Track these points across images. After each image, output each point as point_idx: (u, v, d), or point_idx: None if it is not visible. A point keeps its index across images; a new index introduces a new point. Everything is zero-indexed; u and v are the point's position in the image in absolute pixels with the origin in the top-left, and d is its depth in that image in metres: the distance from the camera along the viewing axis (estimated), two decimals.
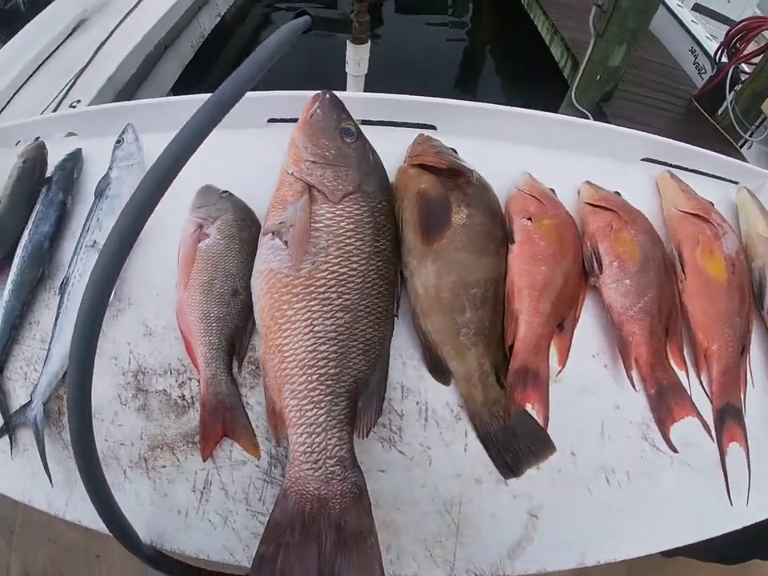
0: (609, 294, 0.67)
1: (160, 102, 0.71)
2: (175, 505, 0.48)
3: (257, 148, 0.64)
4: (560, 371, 0.60)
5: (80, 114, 0.80)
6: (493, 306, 0.57)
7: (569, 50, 3.22)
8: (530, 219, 0.65)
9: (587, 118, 2.91)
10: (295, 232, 0.49)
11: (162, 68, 2.38)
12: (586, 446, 0.57)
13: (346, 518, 0.41)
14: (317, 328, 0.47)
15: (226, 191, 0.64)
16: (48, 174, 0.76)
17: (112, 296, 0.60)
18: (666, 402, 0.62)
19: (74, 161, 0.80)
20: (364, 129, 0.74)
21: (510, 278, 0.60)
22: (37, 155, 0.81)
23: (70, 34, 2.13)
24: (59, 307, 0.61)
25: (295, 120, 0.71)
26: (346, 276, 0.50)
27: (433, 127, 0.76)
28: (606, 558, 0.52)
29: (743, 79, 2.85)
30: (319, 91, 0.60)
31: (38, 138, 0.80)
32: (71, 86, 1.92)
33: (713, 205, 0.84)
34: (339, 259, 0.50)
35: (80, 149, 0.77)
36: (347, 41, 1.05)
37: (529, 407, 0.53)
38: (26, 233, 0.71)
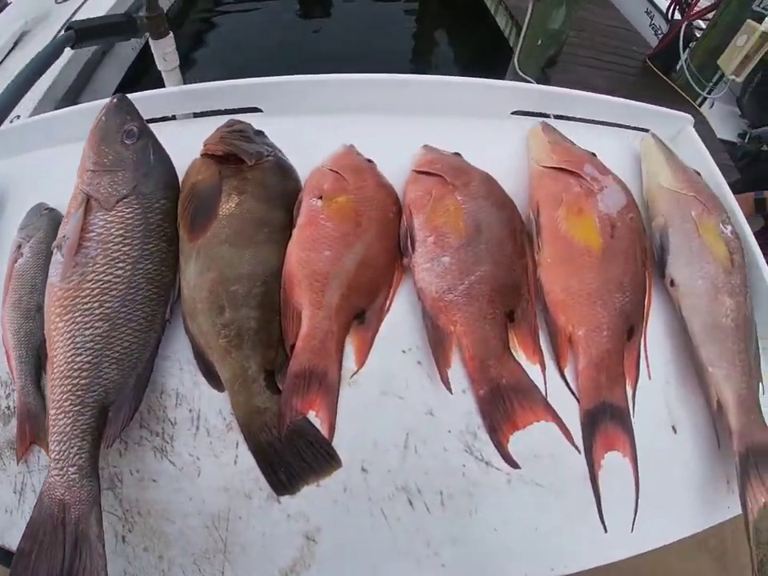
0: (421, 275, 0.50)
1: (72, 111, 0.65)
2: (2, 504, 0.51)
3: None
4: (356, 371, 0.48)
5: None
6: (261, 303, 0.48)
7: (512, 18, 2.76)
8: (320, 198, 0.52)
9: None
10: (66, 244, 0.50)
11: (102, 74, 2.21)
12: (382, 461, 0.46)
13: (83, 525, 0.43)
14: (77, 339, 0.48)
15: (48, 208, 0.64)
16: None
17: None
18: (503, 405, 0.46)
19: None
20: (195, 122, 0.66)
21: (287, 268, 0.49)
22: None
23: (12, 48, 2.00)
24: None
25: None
26: (110, 284, 0.49)
27: (258, 110, 0.66)
28: None
29: (697, 36, 2.44)
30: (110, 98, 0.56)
31: None
32: None
33: (594, 155, 0.61)
34: (105, 267, 0.49)
35: None
36: (149, 38, 0.99)
37: (312, 415, 0.45)
38: None
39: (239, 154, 0.51)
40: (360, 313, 0.49)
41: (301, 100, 0.65)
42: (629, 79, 2.55)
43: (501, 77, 2.56)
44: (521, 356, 0.51)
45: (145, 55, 2.56)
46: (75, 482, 0.43)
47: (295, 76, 0.63)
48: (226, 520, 0.45)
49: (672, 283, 0.57)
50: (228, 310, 0.46)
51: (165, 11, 0.99)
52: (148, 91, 0.63)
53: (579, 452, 0.48)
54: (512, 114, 0.68)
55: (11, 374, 0.57)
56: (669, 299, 0.58)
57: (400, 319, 0.51)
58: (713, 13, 2.29)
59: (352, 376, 0.48)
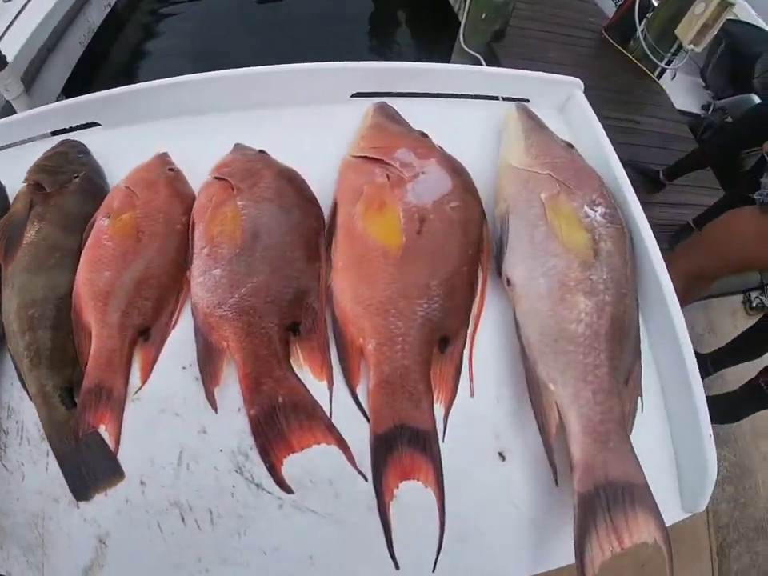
0: (195, 290, 0.46)
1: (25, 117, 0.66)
2: None
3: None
4: (140, 387, 0.48)
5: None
6: (54, 324, 0.51)
7: None
8: (108, 217, 0.50)
9: (479, 61, 2.00)
10: None
11: (49, 71, 2.11)
12: (158, 476, 0.47)
13: None
14: None
15: None
16: None
17: None
18: (278, 426, 0.43)
19: None
20: (53, 140, 0.62)
21: (75, 289, 0.49)
22: None
23: None
24: None
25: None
26: None
27: (97, 124, 0.65)
28: None
29: (654, 4, 2.19)
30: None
31: None
32: None
33: (425, 136, 0.52)
34: None
35: None
36: None
37: (103, 428, 0.48)
38: None
39: (39, 182, 0.55)
40: (145, 330, 0.50)
41: (136, 108, 0.61)
42: (584, 51, 2.32)
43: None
44: (307, 372, 0.45)
45: (95, 49, 2.38)
46: None
47: (128, 86, 0.56)
48: (42, 519, 0.50)
49: (508, 282, 0.48)
50: (28, 332, 0.48)
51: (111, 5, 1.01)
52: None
53: (366, 480, 0.44)
54: (352, 96, 0.58)
55: None
56: (509, 304, 0.48)
57: (184, 335, 0.49)
58: None
59: (136, 392, 0.48)
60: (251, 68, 0.54)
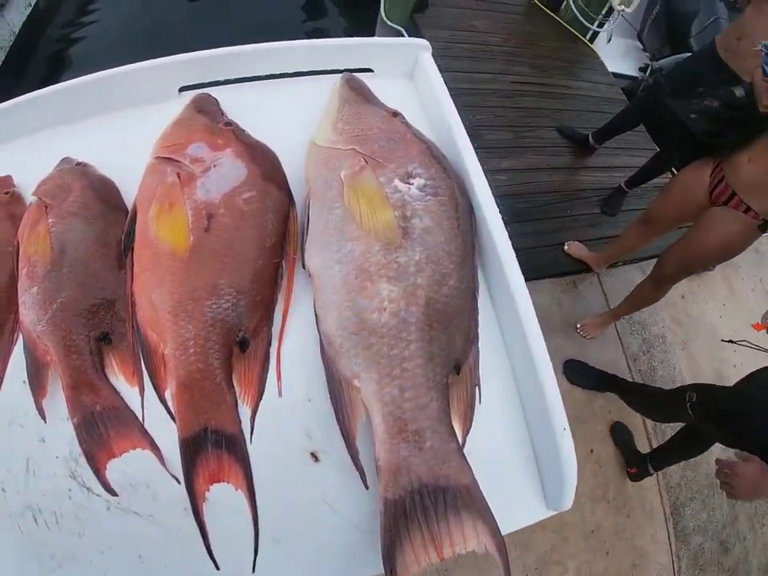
0: (20, 309, 0.49)
1: None
2: None
3: None
4: None
5: None
6: None
7: None
8: None
9: (401, 34, 1.89)
10: None
11: None
12: (13, 483, 0.53)
13: None
14: None
15: None
16: None
17: None
18: (98, 432, 0.47)
19: None
20: None
21: None
22: None
23: None
24: None
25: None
26: None
27: None
28: None
29: None
30: None
31: None
32: None
33: (230, 125, 0.51)
34: None
35: None
36: None
37: None
38: None
39: None
40: None
41: None
42: (513, 18, 2.31)
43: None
44: (121, 380, 0.48)
45: (13, 53, 2.32)
46: None
47: None
48: None
49: (310, 274, 0.46)
50: None
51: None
52: None
53: (179, 482, 0.47)
54: (180, 90, 0.56)
55: None
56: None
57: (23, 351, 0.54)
58: None
59: None
60: (70, 81, 0.53)
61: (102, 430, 0.46)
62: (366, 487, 0.39)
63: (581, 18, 2.31)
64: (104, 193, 0.49)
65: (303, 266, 0.43)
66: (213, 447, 0.41)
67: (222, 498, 0.40)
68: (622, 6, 2.11)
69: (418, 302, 0.39)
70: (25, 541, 0.49)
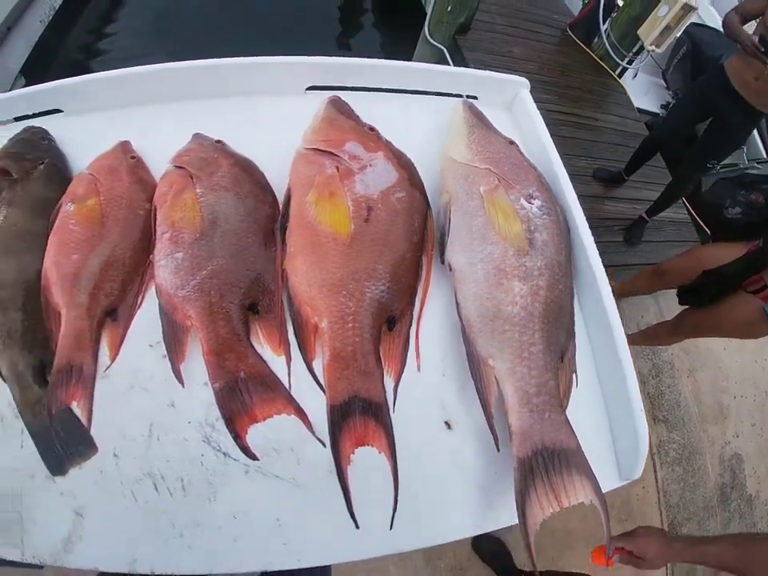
0: (158, 272, 0.52)
1: None
2: None
3: None
4: (109, 366, 0.55)
5: None
6: (25, 306, 0.58)
7: None
8: (73, 202, 0.57)
9: (443, 53, 2.20)
10: None
11: (8, 50, 2.26)
12: (130, 448, 0.54)
13: None
14: None
15: None
16: None
17: None
18: (240, 398, 0.51)
19: None
20: (17, 126, 0.68)
21: (44, 272, 0.55)
22: None
23: None
24: None
25: None
26: None
27: (59, 110, 0.70)
28: (161, 569, 0.54)
29: (619, 5, 2.48)
30: None
31: None
32: None
33: (373, 130, 0.61)
34: None
35: None
36: None
37: (75, 405, 0.55)
38: None
39: (6, 168, 0.55)
40: (112, 310, 0.59)
41: (97, 97, 0.65)
42: (548, 48, 2.59)
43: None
44: (266, 349, 0.53)
45: (55, 30, 2.49)
46: None
47: (91, 75, 0.62)
48: (18, 496, 0.60)
49: (450, 268, 0.55)
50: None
51: None
52: None
53: (325, 446, 0.54)
54: (307, 89, 0.63)
55: None
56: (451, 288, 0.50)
57: (150, 315, 0.58)
58: None
59: (105, 370, 0.58)
60: (210, 60, 0.60)
61: (246, 395, 0.51)
62: (498, 450, 0.49)
63: (612, 54, 2.56)
64: (251, 172, 0.58)
65: (442, 261, 0.53)
66: (360, 414, 0.49)
67: (361, 460, 0.49)
68: (653, 46, 2.33)
69: (539, 299, 0.51)
70: (139, 509, 0.52)
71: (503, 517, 0.51)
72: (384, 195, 0.47)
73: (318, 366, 0.51)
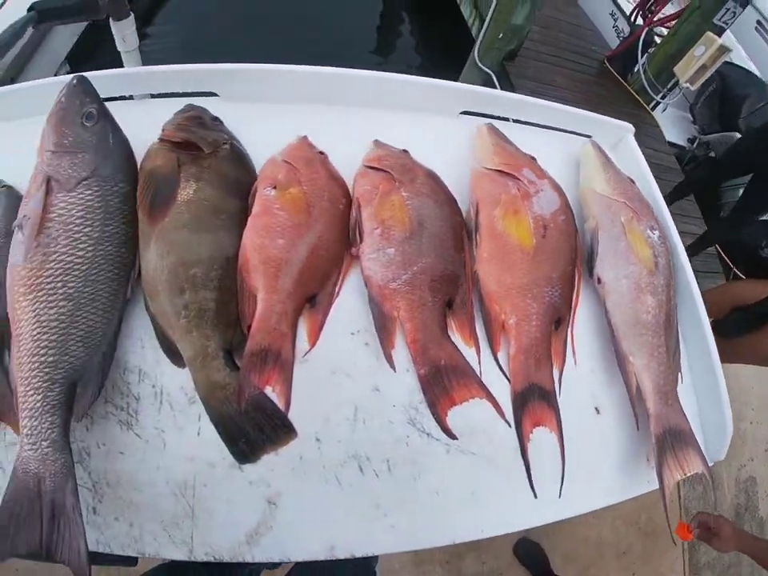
0: (368, 265, 0.60)
1: (24, 87, 0.72)
2: None
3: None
4: (309, 350, 0.58)
5: None
6: (219, 285, 0.58)
7: (477, 9, 3.04)
8: (274, 188, 0.60)
9: (490, 77, 2.47)
10: (27, 225, 0.57)
11: (56, 35, 2.32)
12: (334, 432, 0.56)
13: (59, 496, 0.51)
14: (42, 318, 0.55)
15: (4, 185, 0.69)
16: None
17: None
18: (442, 383, 0.58)
19: None
20: (152, 103, 0.74)
21: (242, 253, 0.57)
22: None
23: None
24: None
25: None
26: (72, 264, 0.57)
27: (215, 94, 0.73)
28: (362, 551, 0.54)
29: (657, 42, 2.78)
30: (69, 76, 0.63)
31: None
32: None
33: (534, 160, 0.73)
34: (67, 248, 0.57)
35: None
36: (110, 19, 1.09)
37: (269, 390, 0.55)
38: None
39: (197, 142, 0.60)
40: (311, 297, 0.61)
41: (257, 87, 0.72)
42: (586, 79, 2.89)
43: (460, 66, 2.74)
44: (458, 340, 0.60)
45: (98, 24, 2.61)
46: (49, 456, 0.52)
47: (253, 64, 0.71)
48: (192, 488, 0.55)
49: (599, 281, 0.69)
50: (188, 291, 0.56)
51: None
52: (107, 70, 0.69)
53: (510, 426, 0.63)
54: (461, 113, 0.79)
55: None
56: (596, 296, 0.70)
57: (348, 304, 0.60)
58: (674, 21, 2.64)
59: (305, 355, 0.59)
60: (377, 72, 0.76)
61: (446, 381, 0.60)
62: (638, 429, 0.66)
63: (648, 88, 2.78)
64: (439, 181, 0.71)
65: (590, 275, 0.70)
66: (537, 399, 0.62)
67: (537, 438, 0.62)
68: (688, 84, 2.53)
69: (663, 311, 0.70)
70: (342, 491, 0.57)
71: (640, 484, 0.66)
72: (553, 216, 0.64)
73: (501, 357, 0.65)
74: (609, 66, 3.00)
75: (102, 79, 0.65)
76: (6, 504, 0.52)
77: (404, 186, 0.62)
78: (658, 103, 2.86)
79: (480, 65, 2.47)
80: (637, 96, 2.87)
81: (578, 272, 0.69)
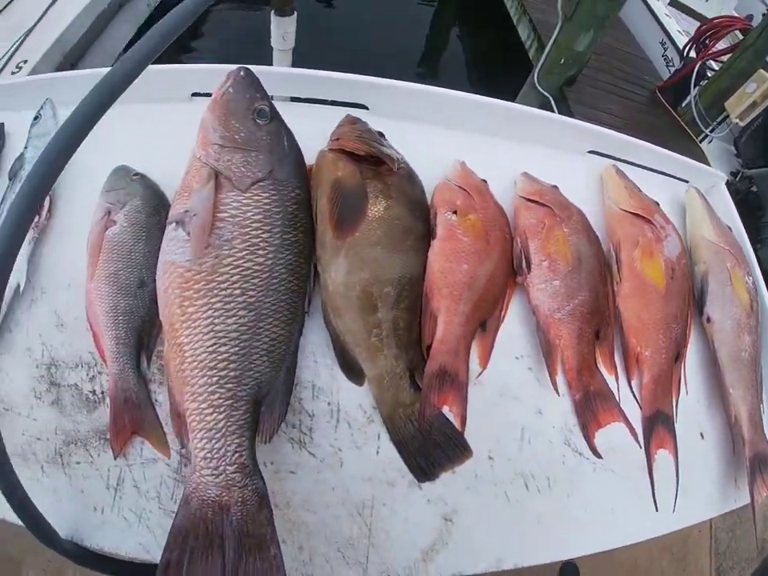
0: (536, 294, 0.71)
1: (83, 75, 0.74)
2: (91, 501, 0.55)
3: (179, 124, 0.66)
4: (481, 373, 0.65)
5: None
6: (409, 306, 0.61)
7: (536, 32, 3.39)
8: (455, 213, 0.68)
9: (548, 101, 2.80)
10: (197, 222, 0.54)
11: (115, 28, 2.54)
12: (504, 451, 0.63)
13: (248, 526, 0.46)
14: (218, 327, 0.52)
15: (138, 173, 0.68)
16: None
17: (25, 283, 0.64)
18: (591, 408, 0.68)
19: None
20: (292, 107, 0.77)
21: (429, 275, 0.63)
22: None
23: None
24: None
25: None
26: (251, 271, 0.54)
27: (364, 107, 0.79)
28: (524, 563, 0.59)
29: (708, 75, 3.05)
30: (235, 67, 0.63)
31: None
32: (18, 47, 2.07)
33: (658, 205, 0.88)
34: (244, 252, 0.54)
35: (2, 123, 0.79)
36: (271, 13, 1.15)
37: (446, 410, 0.58)
38: None
39: (384, 159, 0.68)
40: (483, 321, 0.67)
41: (405, 105, 0.82)
42: (639, 107, 3.18)
43: (514, 87, 3.12)
44: (602, 369, 0.74)
45: (157, 13, 2.79)
46: (236, 482, 0.50)
47: (406, 83, 0.82)
48: (370, 507, 0.59)
49: (708, 320, 0.90)
50: (381, 310, 0.61)
51: None
52: (257, 66, 0.72)
53: (640, 447, 0.71)
54: (588, 152, 0.98)
55: (100, 355, 0.60)
56: (702, 333, 0.90)
57: (512, 329, 0.71)
58: (727, 56, 2.94)
59: (477, 377, 0.65)
60: (520, 106, 0.89)
61: (594, 405, 0.74)
62: (734, 453, 0.76)
63: (698, 121, 2.96)
64: (587, 219, 0.82)
65: (700, 314, 0.80)
66: (661, 424, 0.76)
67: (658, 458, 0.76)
68: (738, 119, 2.71)
69: (756, 349, 0.90)
70: (509, 507, 0.66)
71: (734, 501, 0.81)
72: (678, 260, 0.83)
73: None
74: (660, 97, 3.25)
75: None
76: (176, 537, 0.49)
77: (564, 222, 0.72)
78: (706, 136, 3.13)
79: (539, 88, 2.75)
80: (686, 128, 3.10)
81: (690, 312, 0.88)
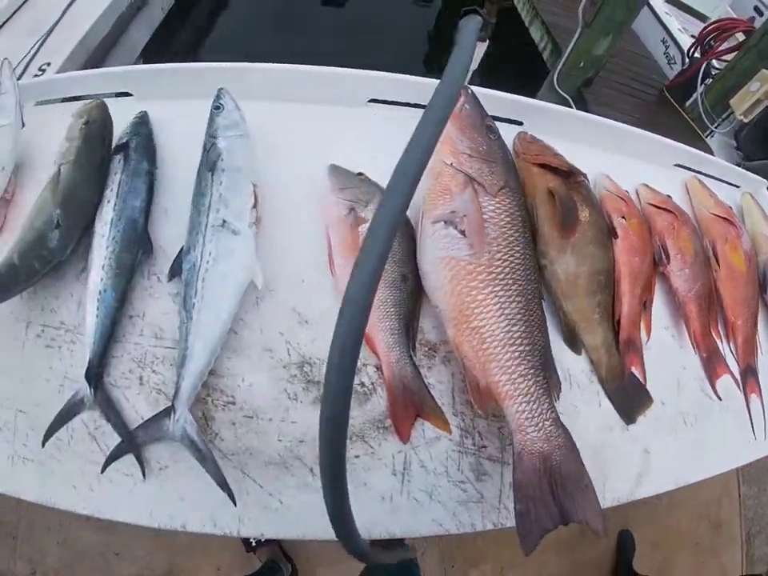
0: (675, 280, 1.02)
1: (217, 67, 0.78)
2: (377, 492, 0.59)
3: (358, 127, 0.77)
4: (647, 341, 0.90)
5: (131, 73, 0.82)
6: (611, 290, 0.86)
7: (549, 34, 3.70)
8: (623, 218, 0.96)
9: (568, 102, 3.15)
10: (473, 223, 0.67)
11: (133, 31, 2.58)
12: (670, 398, 0.88)
13: (565, 467, 0.58)
14: (506, 311, 0.66)
15: (360, 173, 0.75)
16: (122, 140, 0.77)
17: (248, 283, 0.66)
18: (712, 363, 0.96)
19: (147, 126, 0.81)
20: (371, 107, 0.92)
21: (618, 267, 0.89)
22: (101, 116, 0.79)
23: None
24: (190, 297, 0.63)
25: (396, 103, 0.87)
26: (514, 264, 0.70)
27: (520, 123, 0.95)
28: (696, 478, 0.82)
29: (714, 74, 3.34)
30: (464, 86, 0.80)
31: (94, 96, 0.79)
32: (39, 48, 2.02)
33: (731, 208, 1.20)
34: (507, 249, 0.70)
35: (146, 112, 0.82)
36: None
37: (633, 369, 0.82)
38: (107, 207, 0.71)
39: (576, 172, 0.94)
40: (645, 301, 0.90)
41: (554, 124, 1.06)
42: (649, 106, 3.54)
43: (524, 81, 3.51)
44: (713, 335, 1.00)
45: (169, 17, 2.92)
46: (553, 433, 0.66)
47: (553, 105, 1.08)
48: (601, 447, 0.77)
49: None
50: (598, 293, 0.82)
51: None
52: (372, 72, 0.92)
53: (741, 391, 0.98)
54: (674, 165, 1.33)
55: (370, 347, 0.68)
56: (765, 309, 1.29)
57: (655, 307, 1.02)
58: (731, 54, 3.34)
59: (646, 343, 0.89)
60: (608, 120, 1.14)
61: (714, 362, 1.09)
62: None
63: (704, 118, 3.23)
64: (695, 226, 1.18)
65: (764, 292, 1.14)
66: (751, 374, 1.07)
67: None
68: (742, 116, 2.91)
69: None
70: (684, 431, 0.93)
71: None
72: (749, 253, 1.31)
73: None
74: (668, 94, 3.54)
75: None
76: (520, 491, 0.60)
77: (684, 224, 0.96)
78: (712, 132, 3.44)
79: (558, 90, 3.09)
80: (693, 124, 3.36)
81: (758, 292, 1.29)
